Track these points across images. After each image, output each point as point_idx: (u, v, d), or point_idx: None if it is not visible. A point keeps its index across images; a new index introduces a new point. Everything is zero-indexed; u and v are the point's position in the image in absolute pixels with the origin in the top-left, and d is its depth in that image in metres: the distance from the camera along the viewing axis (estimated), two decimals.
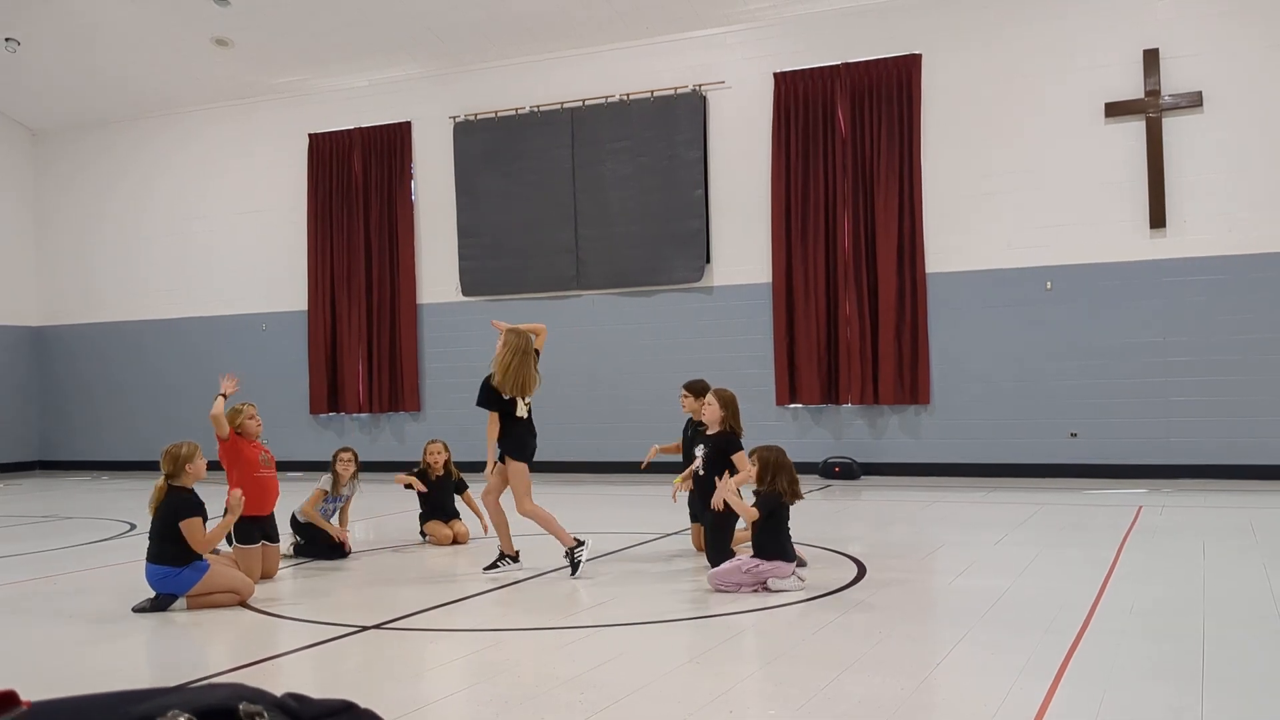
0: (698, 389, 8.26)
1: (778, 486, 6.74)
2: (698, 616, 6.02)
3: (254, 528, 7.42)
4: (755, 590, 6.44)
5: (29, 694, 1.11)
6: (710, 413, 7.60)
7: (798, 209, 13.64)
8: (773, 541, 6.62)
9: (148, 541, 6.67)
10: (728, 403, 7.58)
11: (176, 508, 6.55)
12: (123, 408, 17.91)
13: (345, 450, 8.72)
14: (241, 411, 7.74)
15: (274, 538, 7.73)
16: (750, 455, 7.07)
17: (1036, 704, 4.19)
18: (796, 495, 6.82)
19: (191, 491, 6.66)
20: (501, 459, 7.49)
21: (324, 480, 8.54)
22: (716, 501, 7.04)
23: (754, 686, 4.73)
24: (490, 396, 7.43)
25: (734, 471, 7.20)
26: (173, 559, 6.52)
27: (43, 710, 1.04)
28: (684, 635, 5.66)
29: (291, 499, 8.59)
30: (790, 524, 6.84)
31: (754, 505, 6.73)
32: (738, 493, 6.96)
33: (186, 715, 0.97)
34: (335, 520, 8.58)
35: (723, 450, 7.40)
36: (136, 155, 17.85)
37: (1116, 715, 4.04)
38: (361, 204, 16.09)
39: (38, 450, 18.60)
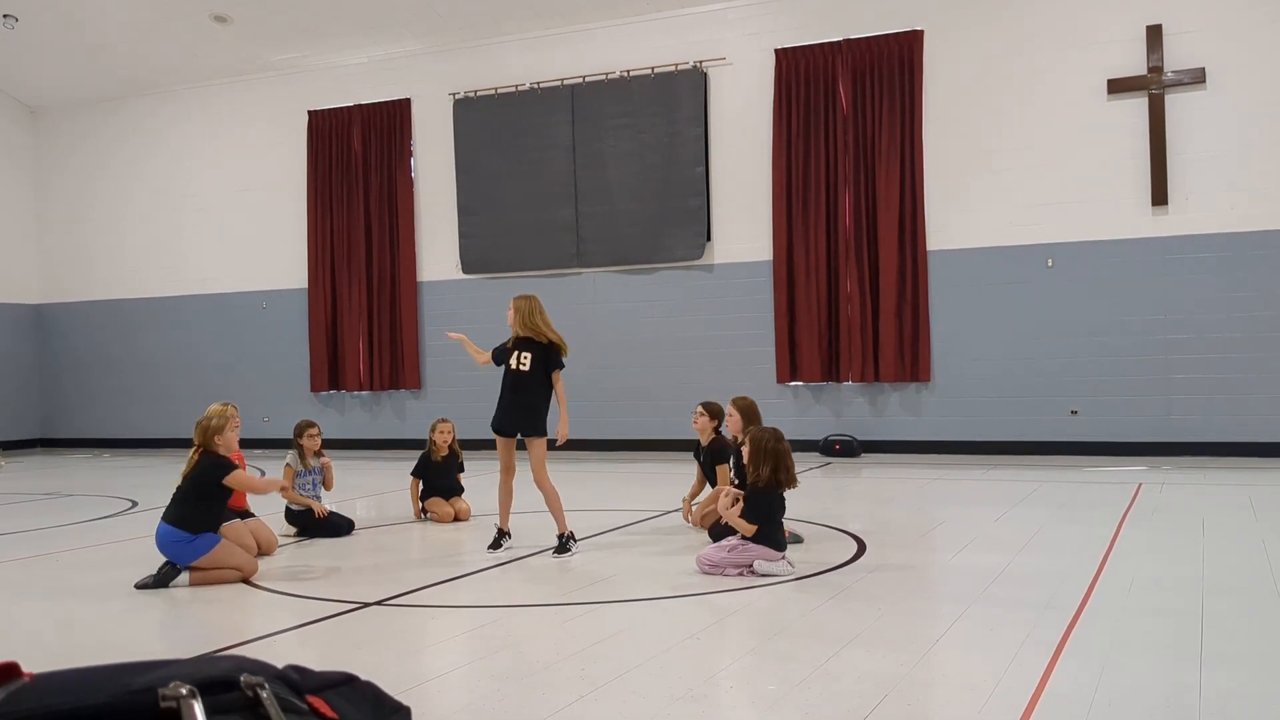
0: (715, 411, 8.22)
1: (774, 477, 6.50)
2: (698, 593, 6.04)
3: (233, 515, 7.43)
4: (740, 573, 6.32)
5: (31, 668, 1.11)
6: (732, 423, 7.65)
7: (799, 186, 13.59)
8: (763, 532, 6.42)
9: (169, 503, 6.73)
10: (744, 411, 7.63)
11: (213, 469, 6.64)
12: (123, 386, 17.91)
13: (313, 425, 8.68)
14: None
15: (248, 514, 7.81)
16: (745, 432, 7.02)
17: (1036, 679, 4.20)
18: (792, 483, 6.59)
19: (224, 456, 6.76)
20: (538, 435, 7.35)
21: (290, 457, 8.56)
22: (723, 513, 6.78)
23: (754, 662, 4.75)
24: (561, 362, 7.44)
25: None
26: (190, 524, 6.56)
27: (44, 682, 1.04)
28: (684, 611, 5.67)
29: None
30: (787, 506, 6.73)
31: (748, 510, 6.44)
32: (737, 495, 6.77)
33: (188, 687, 0.97)
34: (320, 494, 8.59)
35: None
36: (135, 132, 17.78)
37: (1116, 691, 4.06)
38: (361, 181, 16.04)
39: (40, 428, 18.62)
